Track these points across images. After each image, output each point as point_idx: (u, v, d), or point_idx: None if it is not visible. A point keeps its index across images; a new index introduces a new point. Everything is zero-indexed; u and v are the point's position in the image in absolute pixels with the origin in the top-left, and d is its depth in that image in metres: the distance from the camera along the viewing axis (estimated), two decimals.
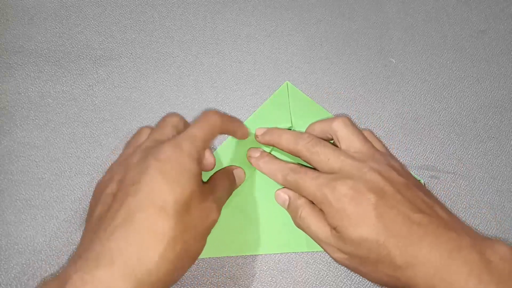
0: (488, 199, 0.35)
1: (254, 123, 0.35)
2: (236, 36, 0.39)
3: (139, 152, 0.27)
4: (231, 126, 0.31)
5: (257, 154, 0.33)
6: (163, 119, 0.31)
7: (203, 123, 0.28)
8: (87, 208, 0.33)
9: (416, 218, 0.25)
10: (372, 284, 0.31)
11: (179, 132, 0.29)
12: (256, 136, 0.34)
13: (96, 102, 0.36)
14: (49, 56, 0.37)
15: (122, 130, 0.35)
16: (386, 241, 0.25)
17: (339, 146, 0.31)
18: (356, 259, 0.26)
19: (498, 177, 0.35)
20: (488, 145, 0.36)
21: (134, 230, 0.22)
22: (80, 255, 0.22)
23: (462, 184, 0.35)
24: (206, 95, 0.37)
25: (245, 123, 0.36)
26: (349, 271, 0.32)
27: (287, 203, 0.31)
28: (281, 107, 0.36)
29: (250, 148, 0.34)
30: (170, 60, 0.38)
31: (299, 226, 0.30)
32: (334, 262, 0.32)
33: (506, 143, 0.37)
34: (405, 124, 0.37)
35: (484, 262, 0.23)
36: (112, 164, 0.31)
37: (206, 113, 0.29)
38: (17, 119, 0.35)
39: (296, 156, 0.31)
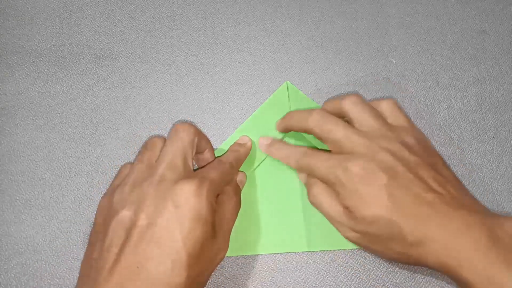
0: (488, 199, 0.34)
1: (254, 123, 0.35)
2: (236, 36, 0.39)
3: (155, 181, 0.26)
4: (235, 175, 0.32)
5: (268, 141, 0.33)
6: (177, 133, 0.28)
7: (222, 169, 0.29)
8: (87, 209, 0.33)
9: (427, 197, 0.26)
10: (372, 284, 0.31)
11: (196, 151, 0.29)
12: (277, 126, 0.34)
13: (96, 102, 0.36)
14: (49, 56, 0.37)
15: (122, 130, 0.35)
16: (397, 220, 0.25)
17: (351, 124, 0.30)
18: (368, 238, 0.27)
19: (498, 177, 0.35)
20: (488, 145, 0.36)
21: (146, 281, 0.23)
22: None
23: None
24: (206, 95, 0.37)
25: (245, 123, 0.36)
26: (348, 271, 0.32)
27: (304, 180, 0.32)
28: (281, 107, 0.36)
29: (261, 136, 0.34)
30: (170, 60, 0.38)
31: (312, 203, 0.30)
32: (334, 262, 0.32)
33: (506, 143, 0.37)
34: None
35: (492, 239, 0.24)
36: (120, 175, 0.30)
37: (224, 160, 0.30)
38: (17, 119, 0.35)
39: (309, 134, 0.31)
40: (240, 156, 0.32)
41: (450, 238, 0.24)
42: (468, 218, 0.25)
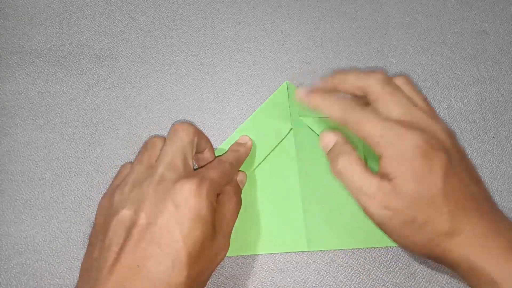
0: None
1: (254, 123, 0.35)
2: (236, 36, 0.39)
3: (155, 181, 0.26)
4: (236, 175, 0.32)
5: (306, 91, 0.29)
6: (176, 132, 0.28)
7: (222, 169, 0.28)
8: (87, 209, 0.33)
9: (473, 190, 0.26)
10: (372, 284, 0.31)
11: (196, 151, 0.29)
12: (298, 98, 0.30)
13: (96, 102, 0.36)
14: (49, 56, 0.37)
15: (122, 130, 0.35)
16: (442, 204, 0.24)
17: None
18: (400, 218, 0.25)
19: (498, 177, 0.35)
20: (488, 145, 0.36)
21: (147, 279, 0.23)
22: None
23: None
24: (206, 95, 0.37)
25: (245, 123, 0.36)
26: (348, 271, 0.32)
27: (330, 146, 0.29)
28: (281, 106, 0.36)
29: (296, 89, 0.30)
30: (170, 60, 0.38)
31: (338, 173, 0.27)
32: (334, 262, 0.32)
33: (506, 143, 0.37)
34: None
35: None
36: (120, 175, 0.29)
37: (224, 161, 0.30)
38: (17, 119, 0.35)
39: (363, 91, 0.28)
40: (241, 156, 0.32)
41: (485, 235, 0.24)
42: (502, 219, 0.25)
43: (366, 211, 0.26)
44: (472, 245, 0.24)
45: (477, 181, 0.27)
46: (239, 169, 0.33)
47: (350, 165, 0.27)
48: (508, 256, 0.24)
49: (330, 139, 0.29)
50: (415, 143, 0.25)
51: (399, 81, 0.29)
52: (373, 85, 0.28)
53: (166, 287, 0.23)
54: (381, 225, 0.26)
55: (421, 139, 0.25)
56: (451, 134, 0.27)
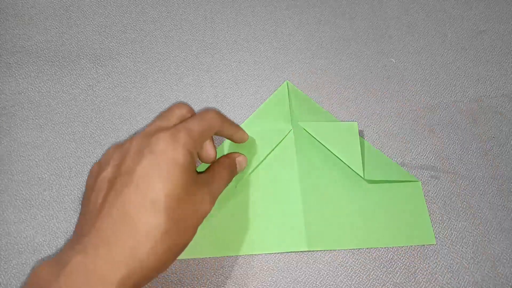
0: (488, 199, 0.35)
1: (254, 122, 0.35)
2: (236, 36, 0.39)
3: (137, 138, 0.27)
4: (229, 128, 0.31)
5: None
6: (171, 108, 0.29)
7: (202, 120, 0.28)
8: None
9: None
10: (372, 284, 0.31)
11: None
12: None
13: (96, 102, 0.36)
14: (49, 56, 0.37)
15: (122, 130, 0.35)
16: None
17: None
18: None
19: (498, 177, 0.35)
20: (488, 145, 0.36)
21: (128, 224, 0.24)
22: (79, 241, 0.24)
23: (462, 184, 0.35)
24: (206, 94, 0.37)
25: (245, 122, 0.36)
26: (348, 271, 0.32)
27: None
28: (281, 106, 0.36)
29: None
30: (170, 60, 0.38)
31: None
32: (334, 262, 0.32)
33: (506, 143, 0.37)
34: (405, 124, 0.37)
35: None
36: (112, 146, 0.30)
37: (206, 110, 0.29)
38: (17, 119, 0.35)
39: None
40: (223, 117, 0.31)
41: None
42: None
43: None
44: None
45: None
46: (240, 170, 0.33)
47: None
48: None
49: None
50: None
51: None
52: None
53: (147, 228, 0.24)
54: None
55: None
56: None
